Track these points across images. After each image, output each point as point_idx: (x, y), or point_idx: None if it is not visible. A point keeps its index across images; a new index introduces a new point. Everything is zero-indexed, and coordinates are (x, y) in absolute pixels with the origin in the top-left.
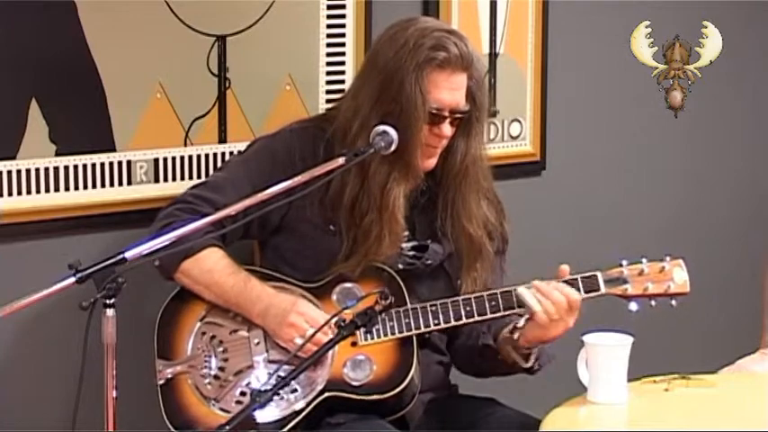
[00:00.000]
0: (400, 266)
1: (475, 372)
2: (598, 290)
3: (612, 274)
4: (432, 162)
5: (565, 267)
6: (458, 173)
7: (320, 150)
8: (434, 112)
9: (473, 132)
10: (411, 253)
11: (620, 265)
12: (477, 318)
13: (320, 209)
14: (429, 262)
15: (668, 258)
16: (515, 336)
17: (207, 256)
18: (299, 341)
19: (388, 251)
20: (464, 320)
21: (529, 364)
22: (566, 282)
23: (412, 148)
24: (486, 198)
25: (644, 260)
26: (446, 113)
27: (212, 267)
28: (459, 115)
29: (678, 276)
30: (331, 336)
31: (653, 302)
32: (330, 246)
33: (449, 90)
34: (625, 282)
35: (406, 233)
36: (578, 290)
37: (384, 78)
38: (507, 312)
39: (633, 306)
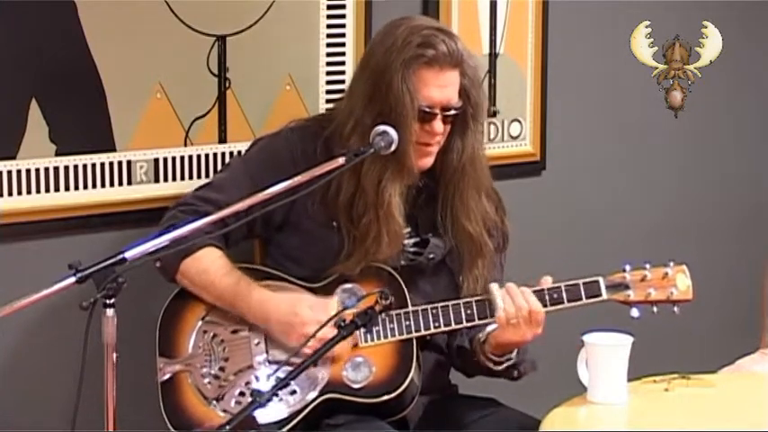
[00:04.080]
0: (402, 263)
1: (462, 371)
2: (600, 296)
3: (615, 280)
4: (427, 161)
5: (547, 279)
6: (455, 171)
7: (319, 148)
8: (425, 110)
9: (469, 130)
10: (413, 249)
11: (624, 270)
12: (477, 321)
13: (322, 206)
14: (432, 256)
15: (672, 264)
16: (483, 337)
17: (204, 256)
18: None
19: (388, 250)
20: (465, 323)
21: (497, 368)
22: (553, 289)
23: (403, 145)
24: (486, 195)
25: (647, 265)
26: (437, 111)
27: (207, 268)
28: (450, 112)
29: (681, 282)
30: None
31: (655, 309)
32: (333, 242)
33: (438, 87)
34: (627, 288)
35: (408, 230)
36: (578, 298)
37: (375, 78)
38: None
39: (635, 312)
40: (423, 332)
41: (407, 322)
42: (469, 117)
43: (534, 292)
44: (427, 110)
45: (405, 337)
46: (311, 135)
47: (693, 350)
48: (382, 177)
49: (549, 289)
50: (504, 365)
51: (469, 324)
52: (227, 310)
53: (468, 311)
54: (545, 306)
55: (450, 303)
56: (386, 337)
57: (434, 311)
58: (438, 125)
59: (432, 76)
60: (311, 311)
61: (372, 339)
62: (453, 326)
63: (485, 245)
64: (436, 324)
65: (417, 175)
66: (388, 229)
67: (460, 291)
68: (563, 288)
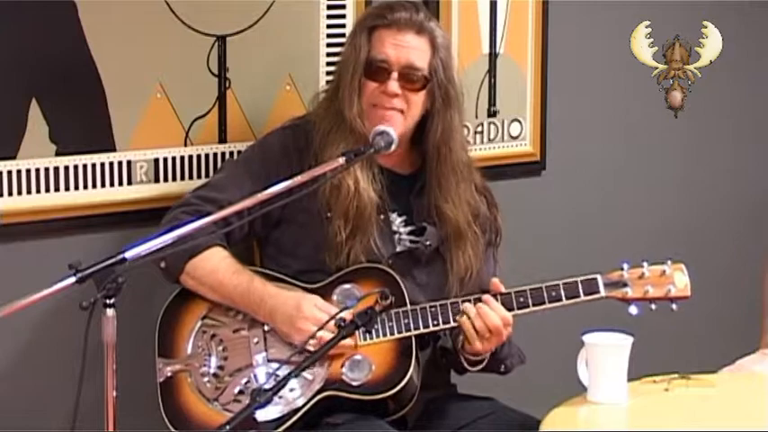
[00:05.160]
0: (399, 249)
1: (448, 370)
2: (598, 293)
3: (613, 277)
4: None
5: (495, 280)
6: (430, 156)
7: (305, 134)
8: (379, 65)
9: (441, 113)
10: (409, 237)
11: (621, 269)
12: None
13: (315, 198)
14: (429, 243)
15: (669, 262)
16: (460, 343)
17: (211, 255)
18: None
19: (357, 203)
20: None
21: (472, 369)
22: (552, 287)
23: (348, 97)
24: (466, 181)
25: (645, 263)
26: (392, 69)
27: (216, 267)
28: (409, 74)
29: (679, 280)
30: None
31: (653, 306)
32: (327, 232)
33: (394, 46)
34: (625, 285)
35: (404, 218)
36: (576, 295)
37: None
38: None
39: (633, 309)
40: (422, 330)
41: (406, 320)
42: (438, 97)
43: (502, 295)
44: (382, 66)
45: (404, 335)
46: (302, 130)
47: (693, 350)
48: (329, 135)
49: (546, 287)
50: (480, 366)
51: None
52: (233, 308)
53: None
54: (513, 309)
55: (448, 302)
56: (384, 335)
57: (433, 310)
58: (392, 84)
59: (389, 36)
60: (315, 309)
61: (371, 338)
62: (452, 324)
63: (470, 229)
64: (435, 322)
65: (365, 137)
66: (343, 178)
67: (447, 278)
68: (561, 286)
